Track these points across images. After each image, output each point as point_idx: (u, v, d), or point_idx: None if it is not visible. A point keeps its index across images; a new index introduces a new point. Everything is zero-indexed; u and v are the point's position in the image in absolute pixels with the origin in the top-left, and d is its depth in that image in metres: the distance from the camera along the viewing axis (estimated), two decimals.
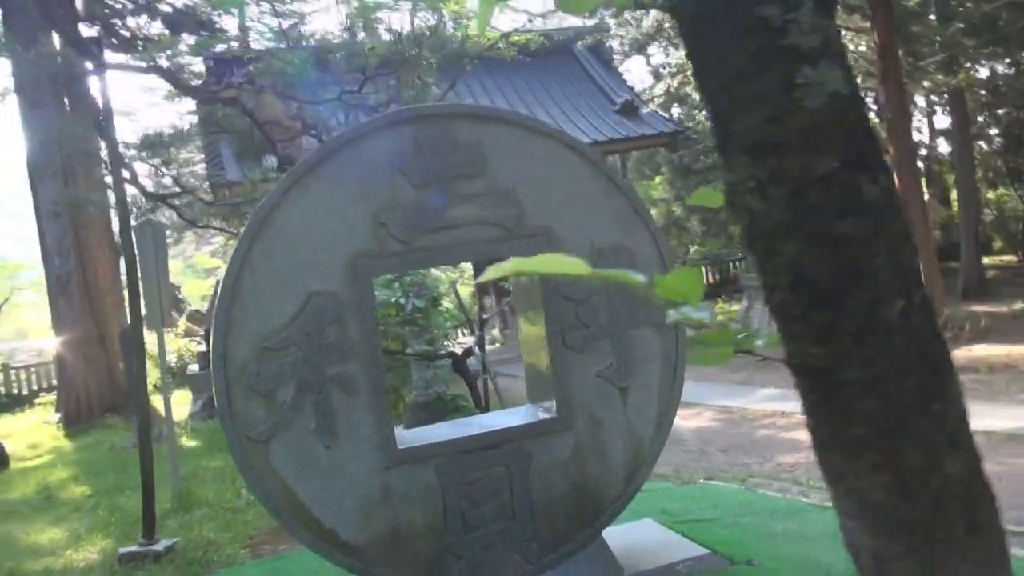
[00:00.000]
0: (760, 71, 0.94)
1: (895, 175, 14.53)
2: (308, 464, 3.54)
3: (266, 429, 3.48)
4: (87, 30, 21.10)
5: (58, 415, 17.62)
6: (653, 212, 27.87)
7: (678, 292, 1.10)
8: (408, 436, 3.88)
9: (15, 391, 24.88)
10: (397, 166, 3.64)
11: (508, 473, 3.78)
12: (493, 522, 3.76)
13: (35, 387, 24.36)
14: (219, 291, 3.47)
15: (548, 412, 3.89)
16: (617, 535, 4.37)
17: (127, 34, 20.73)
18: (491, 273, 0.99)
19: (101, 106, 5.99)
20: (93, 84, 17.22)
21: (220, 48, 12.82)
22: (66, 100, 16.50)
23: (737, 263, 26.11)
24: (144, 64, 7.74)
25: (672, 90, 20.15)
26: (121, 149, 10.54)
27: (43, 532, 6.81)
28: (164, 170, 8.71)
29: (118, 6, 20.97)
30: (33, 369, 25.23)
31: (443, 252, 3.71)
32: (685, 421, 11.18)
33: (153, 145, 8.24)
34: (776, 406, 11.13)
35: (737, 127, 0.98)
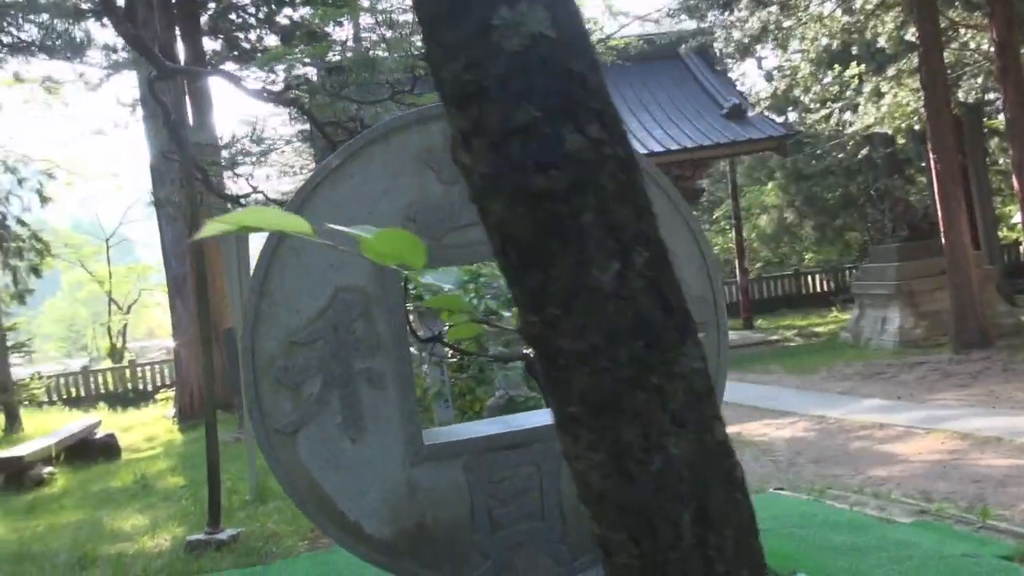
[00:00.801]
0: (460, 13, 0.87)
1: (1015, 177, 13.75)
2: (334, 457, 3.57)
3: (293, 422, 3.53)
4: (211, 43, 22.01)
5: (174, 410, 18.49)
6: (763, 219, 27.26)
7: (387, 254, 1.03)
8: (438, 433, 3.87)
9: (140, 387, 26.29)
10: (426, 162, 3.64)
11: (538, 472, 3.73)
12: (521, 521, 3.71)
13: (158, 383, 25.64)
14: (248, 286, 3.55)
15: None
16: None
17: (247, 46, 21.55)
18: (209, 230, 0.96)
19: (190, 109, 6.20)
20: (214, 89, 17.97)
21: (332, 57, 13.23)
22: (189, 109, 17.29)
23: (852, 270, 25.17)
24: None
25: (781, 92, 19.61)
26: (225, 153, 11.01)
27: (128, 519, 7.12)
28: (249, 175, 8.98)
29: (239, 20, 21.86)
30: (156, 366, 26.57)
31: (473, 249, 3.69)
32: (779, 431, 10.86)
33: (241, 152, 8.52)
34: (876, 417, 10.68)
35: (444, 75, 0.92)
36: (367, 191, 3.60)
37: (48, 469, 10.35)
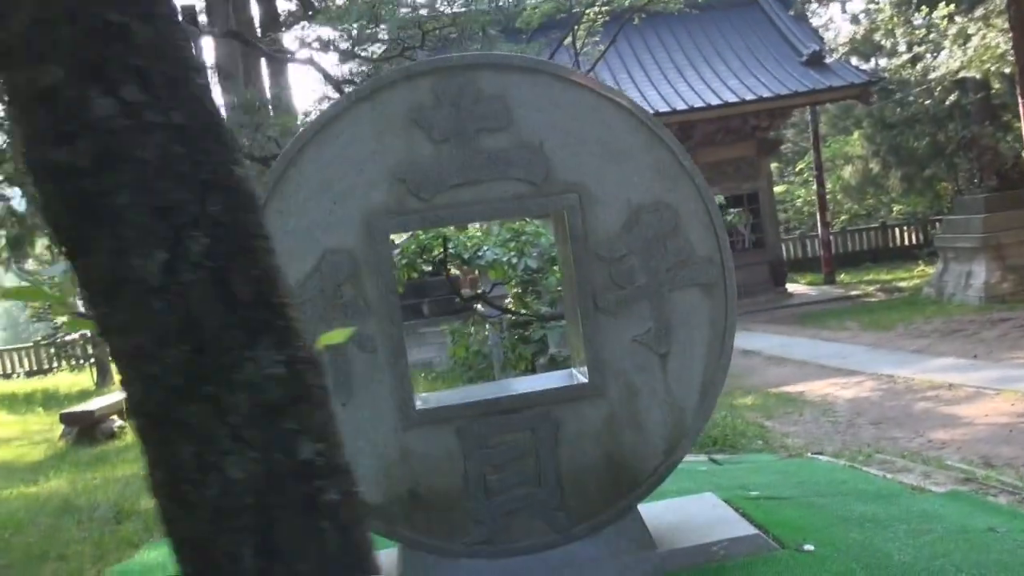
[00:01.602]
0: None
1: None
2: None
3: None
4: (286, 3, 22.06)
5: None
6: (847, 169, 26.28)
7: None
8: (431, 398, 3.80)
9: None
10: (415, 120, 3.53)
11: (534, 438, 3.64)
12: (516, 488, 3.64)
13: None
14: None
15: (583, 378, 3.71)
16: (668, 509, 4.14)
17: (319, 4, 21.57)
18: None
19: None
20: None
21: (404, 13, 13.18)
22: (266, 78, 17.43)
23: (941, 223, 24.15)
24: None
25: (862, 37, 18.74)
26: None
27: None
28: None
29: None
30: None
31: (465, 209, 3.59)
32: (843, 390, 10.53)
33: None
34: (946, 377, 10.25)
35: None
36: (354, 152, 3.52)
37: (120, 423, 10.71)
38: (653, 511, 4.10)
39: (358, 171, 3.52)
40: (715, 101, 19.71)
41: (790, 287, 22.63)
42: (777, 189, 29.26)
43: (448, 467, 3.61)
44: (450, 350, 8.23)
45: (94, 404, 10.85)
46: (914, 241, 25.88)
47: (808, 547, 3.60)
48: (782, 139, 24.09)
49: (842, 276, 23.94)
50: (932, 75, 18.81)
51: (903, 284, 21.10)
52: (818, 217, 24.20)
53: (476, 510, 3.62)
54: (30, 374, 25.83)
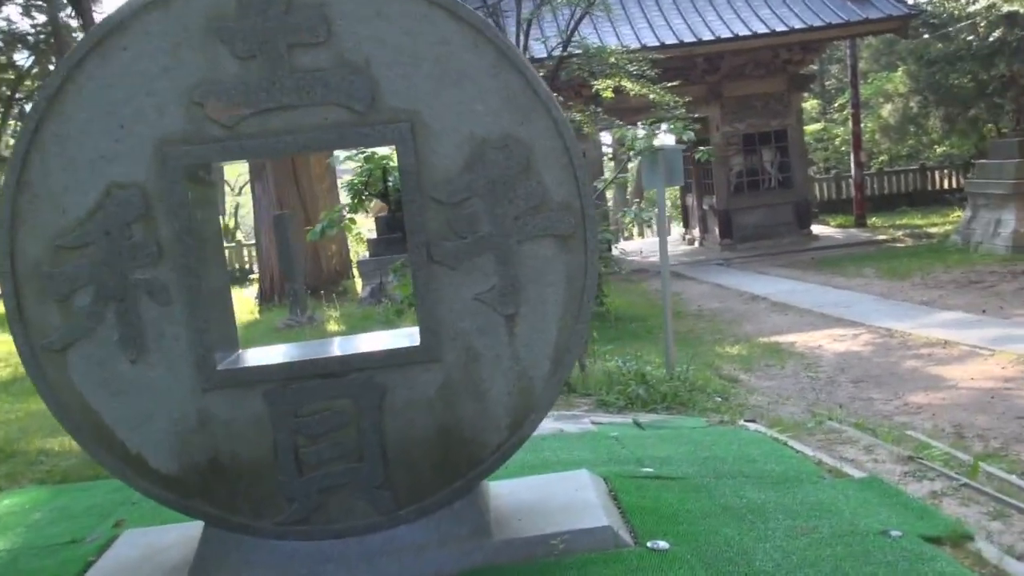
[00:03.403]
0: None
1: None
2: (111, 380, 3.10)
3: (61, 337, 3.06)
4: None
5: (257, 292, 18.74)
6: (887, 108, 25.03)
7: None
8: (241, 357, 3.33)
9: (247, 267, 26.96)
10: (216, 32, 2.99)
11: (355, 407, 3.16)
12: (333, 462, 3.18)
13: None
14: (4, 177, 3.04)
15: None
16: (528, 488, 3.68)
17: None
18: None
19: None
20: None
21: None
22: None
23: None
24: None
25: None
26: None
27: None
28: None
29: None
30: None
31: (276, 139, 3.06)
32: (836, 343, 9.95)
33: None
34: (945, 334, 9.62)
35: None
36: (143, 68, 3.00)
37: None
38: (508, 489, 3.65)
39: (147, 91, 3.01)
40: (744, 32, 18.69)
41: (817, 229, 21.80)
42: (814, 127, 28.13)
43: (255, 436, 3.16)
44: (394, 287, 7.76)
45: None
46: (954, 185, 24.73)
47: (662, 544, 3.11)
48: (815, 74, 22.93)
49: (874, 220, 22.99)
50: (975, 7, 17.58)
51: (934, 230, 20.16)
52: (852, 157, 23.17)
53: (288, 486, 3.18)
54: None
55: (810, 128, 26.94)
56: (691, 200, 23.62)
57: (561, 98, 14.85)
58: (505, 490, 3.66)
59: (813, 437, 5.27)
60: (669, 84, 14.46)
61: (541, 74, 11.53)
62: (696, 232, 23.21)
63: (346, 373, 3.16)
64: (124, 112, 3.01)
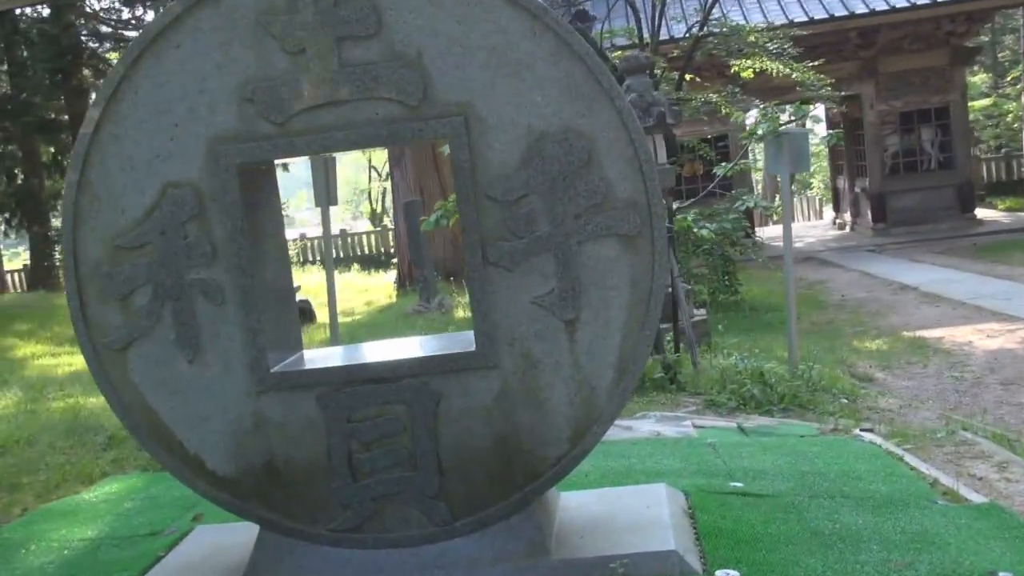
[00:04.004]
0: None
1: None
2: (170, 379, 3.09)
3: (122, 336, 3.08)
4: None
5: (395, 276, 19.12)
6: None
7: None
8: (296, 359, 3.26)
9: (390, 251, 27.61)
10: (266, 28, 2.91)
11: (409, 414, 3.04)
12: (388, 470, 3.08)
13: None
14: (67, 177, 3.07)
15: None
16: (598, 501, 3.47)
17: None
18: None
19: None
20: None
21: None
22: None
23: None
24: None
25: None
26: None
27: None
28: None
29: None
30: None
31: (327, 135, 2.96)
32: (988, 339, 9.18)
33: None
34: None
35: None
36: (196, 66, 2.96)
37: None
38: (578, 502, 3.45)
39: (200, 89, 2.96)
40: (902, 3, 17.52)
41: (982, 213, 20.30)
42: (983, 102, 26.23)
43: (309, 440, 3.09)
44: None
45: None
46: None
47: (732, 574, 2.84)
48: (982, 46, 21.29)
49: None
50: None
51: None
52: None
53: (342, 492, 3.09)
54: None
55: (978, 104, 25.12)
56: (842, 183, 22.47)
57: (698, 79, 14.38)
58: (574, 503, 3.46)
59: (940, 449, 4.81)
60: (815, 63, 13.72)
61: (675, 54, 11.18)
62: (847, 216, 22.07)
63: (399, 378, 3.04)
64: (178, 110, 2.98)
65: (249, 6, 2.92)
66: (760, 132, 6.78)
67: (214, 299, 3.04)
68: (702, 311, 9.45)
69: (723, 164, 7.88)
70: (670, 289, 7.33)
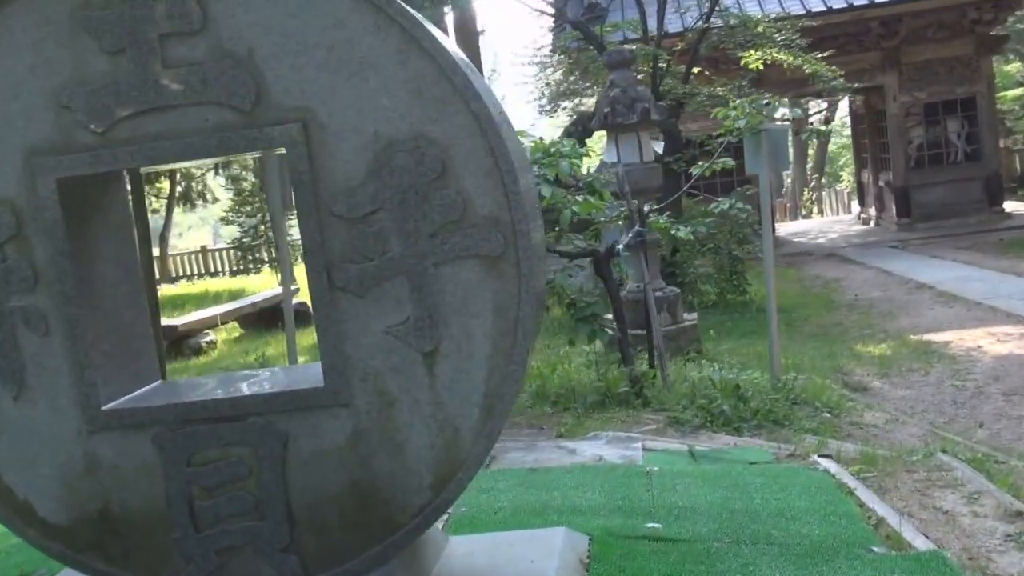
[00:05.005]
0: None
1: None
2: None
3: None
4: None
5: None
6: None
7: None
8: (149, 394, 2.94)
9: None
10: (83, 25, 2.59)
11: (255, 456, 2.71)
12: (233, 519, 2.75)
13: None
14: None
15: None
16: (486, 548, 3.13)
17: None
18: None
19: None
20: None
21: None
22: None
23: None
24: None
25: None
26: None
27: None
28: None
29: None
30: None
31: (153, 145, 2.63)
32: (1000, 344, 8.69)
33: None
34: None
35: None
36: (8, 68, 2.64)
37: (209, 338, 10.66)
38: (465, 549, 3.11)
39: (13, 95, 2.65)
40: None
41: (1012, 206, 19.59)
42: (1015, 92, 25.36)
43: (146, 485, 2.77)
44: None
45: (185, 318, 10.85)
46: None
47: None
48: (1009, 35, 20.50)
49: None
50: None
51: None
52: None
53: (184, 544, 2.77)
54: (234, 273, 27.30)
55: (1010, 94, 24.27)
56: (867, 176, 21.83)
57: (707, 72, 13.89)
58: (461, 549, 3.11)
59: (910, 476, 4.38)
60: (826, 54, 13.23)
61: (679, 48, 10.77)
62: (872, 211, 21.43)
63: (242, 417, 2.70)
64: None
65: (63, 0, 2.59)
66: (738, 127, 6.36)
67: (37, 329, 2.73)
68: (692, 316, 9.04)
69: (700, 164, 7.44)
70: (653, 294, 6.95)
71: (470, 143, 2.52)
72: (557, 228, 6.47)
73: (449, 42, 2.58)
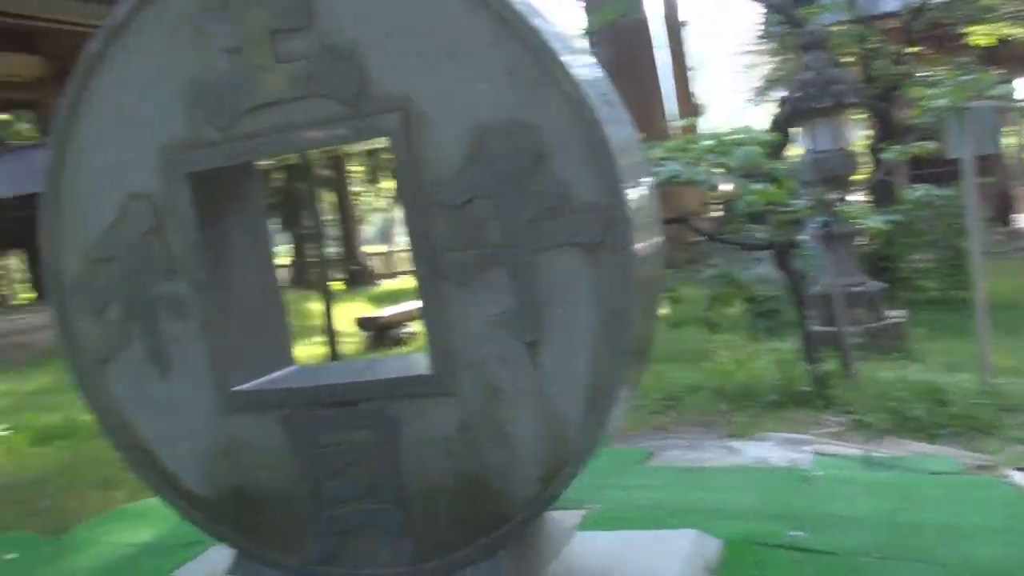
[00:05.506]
0: None
1: None
2: (144, 396, 3.01)
3: (101, 350, 3.03)
4: None
5: None
6: None
7: None
8: (282, 377, 3.05)
9: None
10: (203, 25, 2.73)
11: (372, 441, 2.76)
12: (353, 502, 2.82)
13: None
14: (43, 190, 3.04)
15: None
16: (610, 546, 3.03)
17: None
18: None
19: None
20: None
21: None
22: None
23: None
24: None
25: None
26: None
27: None
28: None
29: None
30: None
31: (268, 140, 2.72)
32: None
33: None
34: None
35: None
36: (144, 70, 2.83)
37: (409, 329, 11.07)
38: (587, 547, 3.02)
39: (149, 95, 2.84)
40: None
41: None
42: None
43: (277, 465, 2.89)
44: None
45: (389, 310, 11.34)
46: None
47: None
48: None
49: None
50: None
51: None
52: None
53: (310, 523, 2.87)
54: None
55: None
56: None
57: (928, 52, 12.82)
58: (583, 547, 3.03)
59: None
60: None
61: (891, 26, 10.04)
62: None
63: (359, 402, 2.76)
64: (132, 118, 2.87)
65: (187, 2, 2.75)
66: (938, 106, 5.80)
67: (177, 315, 2.91)
68: (900, 313, 8.39)
69: (897, 149, 6.85)
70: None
71: (566, 127, 2.43)
72: (744, 219, 6.19)
73: (544, 21, 2.50)
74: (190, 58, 2.76)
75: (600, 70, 2.65)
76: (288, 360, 3.21)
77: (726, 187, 5.95)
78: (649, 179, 2.66)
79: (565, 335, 2.51)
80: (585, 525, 3.40)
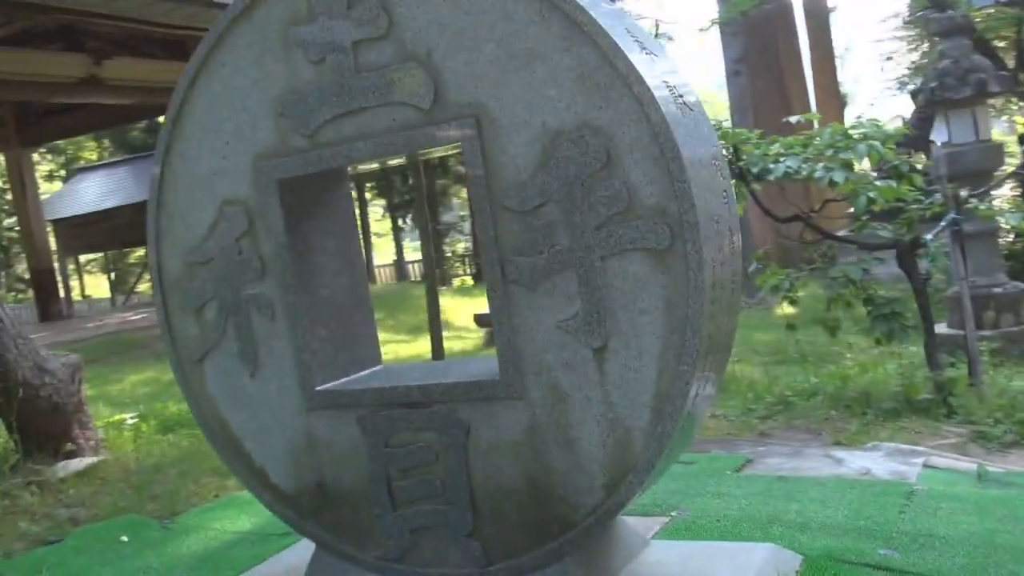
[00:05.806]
0: None
1: None
2: (236, 392, 3.16)
3: (198, 348, 3.20)
4: None
5: None
6: None
7: None
8: (364, 378, 3.13)
9: None
10: (293, 38, 2.84)
11: (441, 442, 2.82)
12: (424, 501, 2.88)
13: None
14: (149, 196, 3.23)
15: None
16: (681, 558, 2.96)
17: None
18: None
19: None
20: None
21: None
22: None
23: None
24: None
25: None
26: None
27: None
28: None
29: None
30: None
31: (349, 146, 2.80)
32: None
33: None
34: None
35: None
36: (238, 83, 2.96)
37: None
38: (657, 556, 2.96)
39: (243, 106, 2.97)
40: None
41: None
42: None
43: (354, 463, 2.98)
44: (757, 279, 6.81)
45: None
46: None
47: None
48: None
49: None
50: None
51: None
52: None
53: (383, 520, 2.95)
54: None
55: None
56: None
57: None
58: (655, 556, 2.98)
59: None
60: None
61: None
62: None
63: (429, 404, 2.82)
64: (227, 128, 3.01)
65: (277, 18, 2.86)
66: None
67: (266, 315, 3.04)
68: None
69: None
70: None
71: (634, 130, 2.41)
72: (865, 217, 5.94)
73: (618, 20, 2.48)
74: (280, 69, 2.87)
75: (676, 70, 2.59)
76: (375, 360, 3.29)
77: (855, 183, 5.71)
78: (726, 181, 2.59)
79: (632, 342, 2.49)
80: (666, 532, 3.36)
